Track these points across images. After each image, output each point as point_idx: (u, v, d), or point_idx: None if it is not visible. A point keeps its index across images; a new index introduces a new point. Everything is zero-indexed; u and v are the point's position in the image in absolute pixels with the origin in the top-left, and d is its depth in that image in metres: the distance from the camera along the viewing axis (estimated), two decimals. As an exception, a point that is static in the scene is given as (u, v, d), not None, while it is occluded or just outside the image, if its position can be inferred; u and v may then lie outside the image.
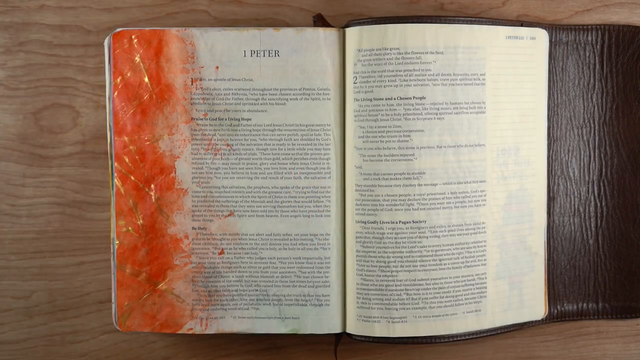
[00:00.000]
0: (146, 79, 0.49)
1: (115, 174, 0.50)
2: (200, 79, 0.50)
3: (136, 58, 0.49)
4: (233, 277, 0.51)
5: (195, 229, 0.50)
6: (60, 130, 0.53)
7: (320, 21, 0.51)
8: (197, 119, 0.50)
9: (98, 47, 0.52)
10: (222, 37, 0.50)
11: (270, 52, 0.50)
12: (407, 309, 0.50)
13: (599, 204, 0.54)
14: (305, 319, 0.51)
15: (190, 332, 0.51)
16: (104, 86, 0.52)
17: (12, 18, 0.52)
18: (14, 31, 0.52)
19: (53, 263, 0.53)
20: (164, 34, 0.49)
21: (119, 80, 0.49)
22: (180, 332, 0.50)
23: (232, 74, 0.50)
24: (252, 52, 0.50)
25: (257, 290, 0.51)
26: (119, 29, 0.49)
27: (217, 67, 0.50)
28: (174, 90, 0.50)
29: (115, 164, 0.49)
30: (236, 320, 0.51)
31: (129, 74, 0.49)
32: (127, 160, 0.50)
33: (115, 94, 0.49)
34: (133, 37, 0.49)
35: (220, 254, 0.51)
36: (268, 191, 0.50)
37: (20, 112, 0.52)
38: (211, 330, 0.51)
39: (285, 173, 0.50)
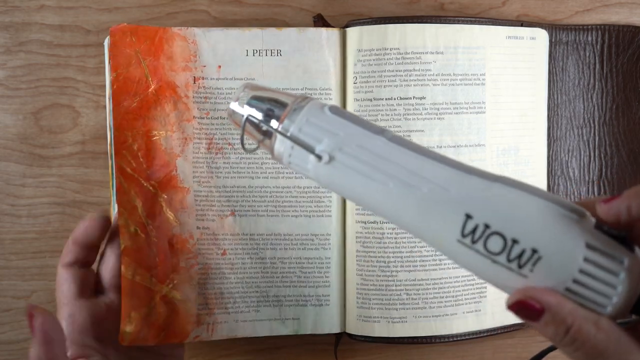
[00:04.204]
0: (146, 77, 0.48)
1: (118, 172, 0.47)
2: (203, 78, 0.49)
3: (136, 55, 0.48)
4: (234, 278, 0.50)
5: (199, 228, 0.50)
6: (60, 130, 0.52)
7: (320, 21, 0.51)
8: (198, 118, 0.50)
9: (98, 47, 0.52)
10: (225, 36, 0.49)
11: (273, 51, 0.50)
12: (407, 309, 0.50)
13: (598, 204, 0.54)
14: (305, 319, 0.51)
15: (197, 339, 0.49)
16: (104, 86, 0.52)
17: (12, 18, 0.52)
18: (14, 31, 0.52)
19: (53, 263, 0.53)
20: (164, 32, 0.48)
21: (117, 75, 0.47)
22: (187, 341, 0.48)
23: (234, 73, 0.50)
24: (255, 52, 0.50)
25: (257, 291, 0.50)
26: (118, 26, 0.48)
27: (220, 67, 0.49)
28: (175, 89, 0.49)
29: (117, 161, 0.47)
30: (238, 325, 0.50)
31: (128, 71, 0.48)
32: (129, 157, 0.47)
33: (115, 86, 0.47)
34: (132, 34, 0.48)
35: (223, 254, 0.50)
36: (269, 191, 0.50)
37: (20, 112, 0.52)
38: (216, 336, 0.49)
39: (287, 173, 0.50)
